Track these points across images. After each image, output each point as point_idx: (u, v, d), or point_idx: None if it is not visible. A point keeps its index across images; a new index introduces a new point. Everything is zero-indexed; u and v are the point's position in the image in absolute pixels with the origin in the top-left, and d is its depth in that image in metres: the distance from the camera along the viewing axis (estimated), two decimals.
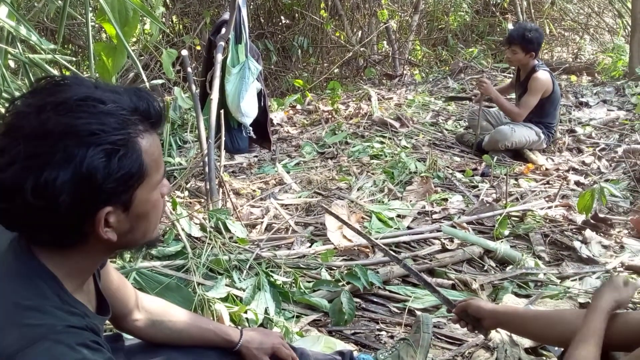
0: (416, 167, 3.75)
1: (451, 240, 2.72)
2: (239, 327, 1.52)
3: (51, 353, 0.83)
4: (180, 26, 7.68)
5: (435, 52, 8.32)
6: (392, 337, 2.07)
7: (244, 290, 2.16)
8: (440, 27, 8.93)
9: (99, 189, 0.84)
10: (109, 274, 1.19)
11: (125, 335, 1.35)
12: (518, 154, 4.20)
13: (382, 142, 4.34)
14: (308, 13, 7.52)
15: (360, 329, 2.11)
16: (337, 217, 2.41)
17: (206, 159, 3.02)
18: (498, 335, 1.92)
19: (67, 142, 0.81)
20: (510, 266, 2.55)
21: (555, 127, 4.29)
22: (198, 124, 3.15)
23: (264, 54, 6.86)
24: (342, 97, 5.75)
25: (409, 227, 2.96)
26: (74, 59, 6.13)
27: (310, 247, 2.70)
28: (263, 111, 4.29)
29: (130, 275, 2.05)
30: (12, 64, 2.64)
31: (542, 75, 4.09)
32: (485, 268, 2.57)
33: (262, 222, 2.95)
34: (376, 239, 2.72)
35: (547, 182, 3.66)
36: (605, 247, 2.75)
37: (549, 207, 3.14)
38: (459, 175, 3.79)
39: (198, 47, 6.87)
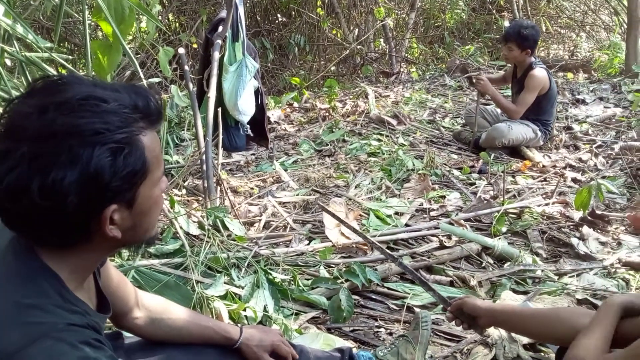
0: (414, 165, 3.75)
1: (449, 237, 2.73)
2: (239, 325, 1.52)
3: (53, 351, 0.83)
4: (177, 24, 7.66)
5: (432, 50, 8.32)
6: (391, 334, 2.08)
7: (242, 288, 2.16)
8: (436, 24, 8.93)
9: (105, 188, 0.84)
10: (109, 272, 1.20)
11: (125, 333, 1.35)
12: (515, 151, 4.21)
13: (379, 140, 4.34)
14: (305, 11, 7.51)
15: (359, 326, 2.12)
16: (333, 215, 2.42)
17: (204, 157, 3.02)
18: (496, 332, 1.93)
19: (72, 142, 0.82)
20: (508, 263, 2.56)
21: (552, 125, 4.30)
22: (195, 122, 3.15)
23: (260, 52, 6.85)
24: (339, 94, 5.74)
25: (406, 225, 2.97)
26: (70, 57, 6.11)
27: (308, 244, 2.70)
28: (260, 109, 4.29)
29: (129, 273, 2.05)
30: (8, 62, 2.63)
31: (539, 72, 4.10)
32: (483, 265, 2.58)
33: (260, 220, 2.95)
34: (373, 236, 2.74)
35: (544, 179, 3.67)
36: (602, 243, 2.75)
37: (547, 204, 3.15)
38: (456, 172, 3.79)
39: (195, 45, 6.86)
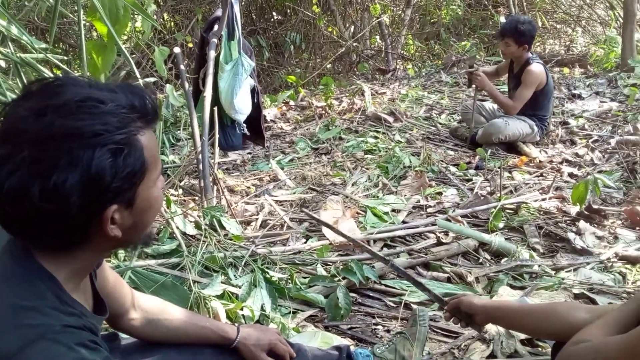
0: (410, 162, 3.75)
1: (446, 233, 2.73)
2: (236, 324, 1.52)
3: (49, 353, 0.83)
4: (172, 23, 7.65)
5: (428, 46, 8.32)
6: (388, 331, 2.08)
7: (239, 287, 2.16)
8: (432, 21, 8.93)
9: (106, 189, 0.85)
10: (105, 274, 1.20)
11: (122, 335, 1.35)
12: (512, 146, 4.21)
13: (376, 137, 4.34)
14: (300, 9, 7.51)
15: (356, 324, 2.12)
16: (320, 221, 2.44)
17: (200, 156, 3.01)
18: (494, 328, 1.93)
19: (72, 144, 0.82)
20: (505, 258, 2.56)
21: (548, 120, 4.30)
22: (191, 122, 3.15)
23: (256, 51, 6.84)
24: (336, 92, 5.74)
25: (404, 222, 2.97)
26: (65, 57, 6.10)
27: (305, 243, 2.70)
28: (256, 108, 4.29)
29: (126, 274, 2.05)
30: (3, 63, 2.63)
31: (536, 68, 4.10)
32: (480, 261, 2.58)
33: (257, 219, 2.95)
34: (371, 234, 2.74)
35: (541, 175, 3.68)
36: (599, 237, 2.76)
37: (543, 199, 3.15)
38: (453, 168, 3.79)
39: (190, 45, 6.85)
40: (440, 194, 3.33)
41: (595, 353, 1.09)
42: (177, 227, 2.45)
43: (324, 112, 5.11)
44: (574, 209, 2.97)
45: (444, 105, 5.37)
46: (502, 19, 6.83)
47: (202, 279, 2.18)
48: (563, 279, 2.34)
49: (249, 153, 4.36)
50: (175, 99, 3.23)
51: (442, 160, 3.94)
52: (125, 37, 6.27)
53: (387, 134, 4.45)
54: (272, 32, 7.84)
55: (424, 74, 6.95)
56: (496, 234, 2.74)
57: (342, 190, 3.38)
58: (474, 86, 4.27)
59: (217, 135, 3.15)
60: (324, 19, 7.71)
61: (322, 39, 7.94)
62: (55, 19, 2.00)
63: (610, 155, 3.99)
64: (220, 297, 2.07)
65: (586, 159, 3.98)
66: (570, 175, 3.64)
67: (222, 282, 2.15)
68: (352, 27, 8.17)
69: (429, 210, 3.11)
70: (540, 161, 3.94)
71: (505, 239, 2.73)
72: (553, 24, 9.03)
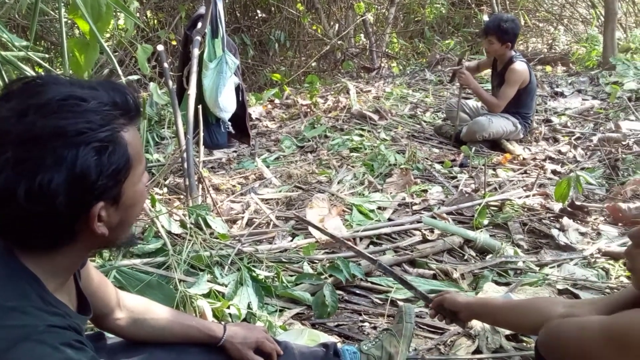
0: (396, 159, 3.76)
1: (431, 230, 2.74)
2: (222, 323, 1.52)
3: (34, 353, 0.82)
4: (155, 21, 7.59)
5: (412, 45, 8.35)
6: (375, 328, 2.08)
7: (226, 286, 2.15)
8: (416, 19, 8.97)
9: (92, 187, 0.85)
10: (89, 273, 1.19)
11: (108, 334, 1.33)
12: (496, 144, 4.24)
13: (361, 135, 4.35)
14: (284, 6, 7.49)
15: (343, 321, 2.12)
16: (310, 224, 2.44)
17: (185, 155, 2.99)
18: (479, 324, 1.94)
19: (56, 144, 0.82)
20: (490, 255, 2.58)
21: (531, 117, 4.35)
22: (175, 120, 3.13)
23: (240, 48, 6.81)
24: (321, 90, 5.74)
25: (389, 219, 2.98)
26: (47, 55, 6.02)
27: (291, 241, 2.70)
28: (241, 106, 4.27)
29: (111, 273, 2.03)
30: None
31: (519, 66, 4.14)
32: (465, 257, 2.60)
33: (242, 217, 2.94)
34: (357, 231, 2.74)
35: (525, 172, 3.71)
36: (582, 234, 2.79)
37: (527, 196, 3.18)
38: (438, 166, 3.81)
39: (174, 42, 6.80)
40: (425, 191, 3.35)
41: (580, 329, 1.10)
42: (162, 226, 2.43)
43: (309, 110, 5.11)
44: (557, 206, 3.01)
45: (428, 103, 5.40)
46: (486, 18, 6.88)
47: (188, 277, 2.17)
48: (547, 275, 2.36)
49: (235, 151, 4.35)
50: (159, 97, 3.20)
51: (427, 158, 3.95)
52: (108, 35, 6.21)
53: (373, 132, 4.46)
54: (256, 30, 7.81)
55: (408, 72, 6.98)
56: (481, 231, 2.76)
57: (328, 188, 3.38)
58: (458, 84, 4.30)
59: (201, 134, 3.14)
60: (309, 17, 7.70)
61: (307, 37, 7.93)
62: (36, 16, 1.97)
63: (592, 152, 4.04)
64: (207, 295, 2.06)
65: (569, 156, 4.02)
66: (554, 172, 3.68)
67: (208, 281, 2.14)
68: (337, 25, 8.17)
69: (415, 207, 3.13)
70: (523, 158, 3.97)
71: (490, 235, 2.75)
72: (536, 22, 9.11)
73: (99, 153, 0.84)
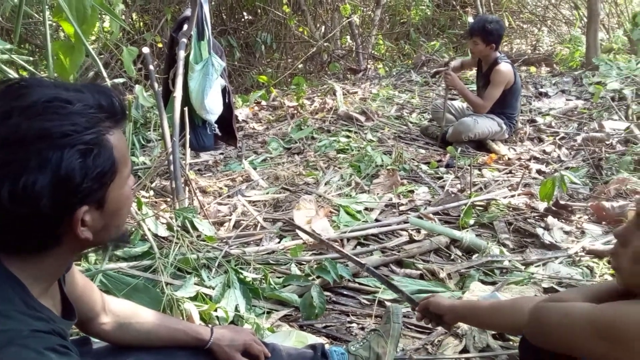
0: (382, 160, 3.78)
1: (418, 231, 2.76)
2: (210, 325, 1.52)
3: (18, 358, 0.81)
4: (141, 23, 7.56)
5: (398, 46, 8.39)
6: (362, 328, 2.09)
7: (213, 289, 2.14)
8: (402, 21, 9.01)
9: (76, 190, 0.84)
10: (74, 278, 1.18)
11: (94, 339, 1.33)
12: (481, 144, 4.27)
13: (348, 137, 4.36)
14: (270, 9, 7.49)
15: (331, 322, 2.13)
16: (301, 229, 2.44)
17: (171, 157, 2.98)
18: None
19: (41, 146, 0.81)
20: (476, 254, 2.60)
21: (516, 118, 4.38)
22: (162, 123, 3.11)
23: (227, 51, 6.80)
24: (307, 92, 5.75)
25: (376, 220, 2.99)
26: (31, 58, 5.96)
27: (279, 242, 2.70)
28: (228, 108, 4.26)
29: (97, 277, 2.02)
30: None
31: (504, 67, 4.17)
32: (452, 257, 2.61)
33: (230, 220, 2.93)
34: (344, 232, 2.75)
35: (510, 172, 3.74)
36: (566, 232, 2.82)
37: (512, 196, 3.21)
38: (424, 167, 3.83)
39: (160, 45, 6.77)
40: (412, 192, 3.36)
41: (565, 315, 1.11)
42: (149, 229, 2.42)
43: (296, 112, 5.11)
44: (542, 205, 3.03)
45: (414, 105, 5.42)
46: (470, 19, 6.94)
47: (175, 280, 2.16)
48: (532, 273, 2.38)
49: (221, 153, 4.34)
50: (144, 99, 3.19)
51: (413, 159, 3.97)
52: (93, 38, 6.17)
53: (359, 133, 4.47)
54: (242, 32, 7.80)
55: (394, 73, 7.01)
56: (467, 231, 2.78)
57: (315, 189, 3.39)
58: (444, 85, 4.32)
59: (188, 136, 3.12)
60: (295, 19, 7.70)
61: (293, 39, 7.94)
62: (19, 19, 1.96)
63: (576, 152, 4.08)
64: (194, 298, 2.05)
65: (553, 155, 4.06)
66: (538, 172, 3.71)
67: (195, 284, 2.14)
68: (323, 27, 8.18)
69: (401, 208, 3.14)
70: (509, 158, 4.00)
71: (476, 235, 2.77)
72: (520, 23, 9.20)
73: (84, 156, 0.84)
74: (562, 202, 3.04)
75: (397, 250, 2.63)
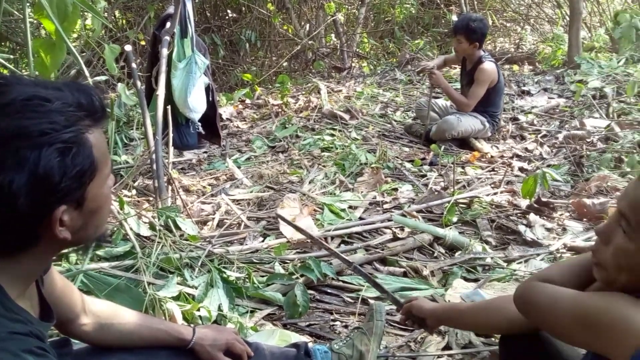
0: (366, 159, 3.78)
1: (402, 229, 2.77)
2: (192, 325, 1.51)
3: None
4: (124, 21, 7.49)
5: (383, 45, 8.41)
6: (346, 326, 2.09)
7: (196, 288, 2.13)
8: (386, 19, 9.03)
9: (54, 189, 0.83)
10: (52, 279, 1.16)
11: (74, 340, 1.31)
12: (464, 142, 4.30)
13: (332, 135, 4.36)
14: (255, 6, 7.46)
15: (315, 321, 2.13)
16: (291, 224, 2.44)
17: (154, 156, 2.96)
18: None
19: (19, 144, 0.80)
20: (459, 252, 2.62)
21: (499, 116, 4.42)
22: (144, 121, 3.09)
23: (211, 48, 6.76)
24: (292, 90, 5.74)
25: (360, 218, 2.99)
26: (11, 56, 5.89)
27: (263, 241, 2.69)
28: (211, 106, 4.24)
29: (77, 277, 2.00)
30: None
31: (488, 66, 4.20)
32: (435, 255, 2.63)
33: (213, 219, 2.92)
34: (328, 231, 2.75)
35: (493, 169, 3.77)
36: (548, 229, 2.85)
37: (495, 193, 3.24)
38: (408, 165, 3.85)
39: (142, 42, 6.72)
40: (395, 190, 3.38)
41: (554, 302, 1.13)
42: (131, 229, 2.40)
43: (280, 110, 5.10)
44: (524, 202, 3.06)
45: (398, 103, 5.44)
46: (454, 18, 6.97)
47: (158, 280, 2.15)
48: (515, 270, 2.40)
49: (205, 152, 4.32)
50: (127, 97, 3.17)
51: (397, 157, 3.99)
52: (75, 35, 6.11)
53: (344, 131, 4.48)
54: (227, 29, 7.77)
55: (379, 71, 7.02)
56: (450, 228, 2.80)
57: (300, 188, 3.39)
58: (428, 83, 4.35)
59: (171, 135, 3.11)
60: (279, 17, 7.69)
61: (278, 37, 7.92)
62: None
63: (558, 149, 4.12)
64: (177, 298, 2.04)
65: (535, 153, 4.10)
66: (521, 169, 3.75)
67: (178, 283, 2.12)
68: (308, 25, 8.17)
69: (385, 206, 3.15)
70: (491, 156, 4.03)
71: (459, 232, 2.79)
72: (503, 22, 9.26)
73: (62, 154, 0.83)
74: (543, 199, 3.07)
75: (380, 248, 2.64)
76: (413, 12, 8.93)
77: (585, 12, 7.88)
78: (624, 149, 3.78)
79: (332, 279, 2.36)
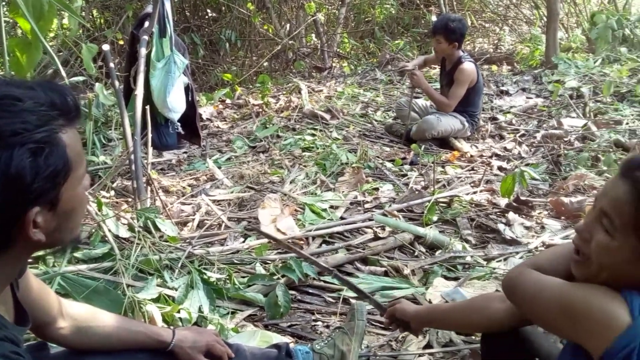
0: (347, 158, 3.79)
1: (383, 228, 2.77)
2: (172, 327, 1.50)
3: None
4: (102, 20, 7.40)
5: (363, 45, 8.42)
6: (327, 326, 2.09)
7: (176, 290, 2.11)
8: (367, 19, 9.05)
9: (27, 190, 0.82)
10: (28, 282, 1.14)
11: (52, 344, 1.29)
12: (444, 142, 4.33)
13: (313, 135, 4.36)
14: (235, 6, 7.42)
15: (296, 321, 2.12)
16: (269, 236, 2.44)
17: (132, 156, 2.93)
18: None
19: None
20: (440, 251, 2.63)
21: (478, 116, 4.46)
22: (123, 121, 3.06)
23: (190, 48, 6.72)
24: (272, 90, 5.72)
25: (342, 218, 3.00)
26: None
27: (244, 242, 2.68)
28: (191, 106, 4.21)
29: (55, 280, 1.97)
30: None
31: (468, 66, 4.23)
32: (415, 254, 2.64)
33: (193, 220, 2.90)
34: (309, 231, 2.75)
35: (472, 169, 3.80)
36: (527, 228, 2.88)
37: (474, 192, 3.26)
38: (389, 164, 3.86)
39: (121, 42, 6.64)
40: (376, 189, 3.38)
41: (540, 291, 1.14)
42: (109, 230, 2.37)
43: (261, 110, 5.08)
44: (503, 201, 3.09)
45: (379, 103, 5.46)
46: (434, 18, 7.01)
47: (137, 282, 2.13)
48: (494, 268, 2.43)
49: (185, 152, 4.28)
50: (105, 97, 3.13)
51: (378, 157, 4.00)
52: (51, 34, 6.02)
53: (324, 131, 4.47)
54: (206, 29, 7.72)
55: (359, 71, 7.04)
56: (430, 227, 2.81)
57: (280, 188, 3.38)
58: (409, 83, 4.37)
59: (150, 135, 3.08)
60: (259, 17, 7.66)
61: (258, 37, 7.89)
62: None
63: (536, 148, 4.17)
64: (156, 300, 2.02)
65: (514, 152, 4.15)
66: (500, 168, 3.78)
67: (157, 285, 2.11)
68: (288, 25, 8.16)
69: (366, 205, 3.16)
70: (471, 156, 4.07)
71: (439, 231, 2.81)
72: (482, 23, 9.35)
73: (34, 154, 0.81)
74: (522, 198, 3.11)
75: (362, 248, 2.64)
76: (393, 12, 8.97)
77: (562, 13, 8.00)
78: (600, 148, 3.84)
79: (314, 279, 2.36)
